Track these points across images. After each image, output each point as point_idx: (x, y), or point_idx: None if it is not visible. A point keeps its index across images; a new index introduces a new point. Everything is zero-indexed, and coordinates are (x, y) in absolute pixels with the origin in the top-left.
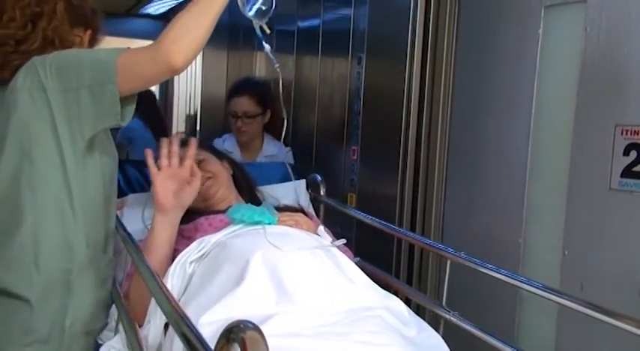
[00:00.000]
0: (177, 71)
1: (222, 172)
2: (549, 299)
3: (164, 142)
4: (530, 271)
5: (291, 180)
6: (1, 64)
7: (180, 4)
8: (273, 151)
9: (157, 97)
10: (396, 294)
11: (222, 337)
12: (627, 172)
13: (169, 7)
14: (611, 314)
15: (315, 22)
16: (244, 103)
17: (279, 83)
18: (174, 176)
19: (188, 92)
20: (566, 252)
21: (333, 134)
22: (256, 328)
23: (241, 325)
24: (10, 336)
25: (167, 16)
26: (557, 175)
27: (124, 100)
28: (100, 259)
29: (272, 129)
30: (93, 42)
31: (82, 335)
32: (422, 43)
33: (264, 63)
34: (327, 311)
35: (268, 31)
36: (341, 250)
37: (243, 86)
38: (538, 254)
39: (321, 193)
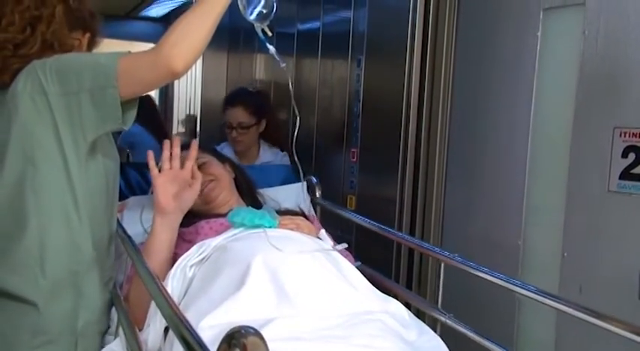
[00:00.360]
0: (178, 75)
1: (224, 175)
2: (545, 304)
3: (167, 144)
4: (529, 273)
5: (292, 183)
6: (1, 68)
7: (179, 6)
8: (270, 157)
9: (157, 99)
10: (394, 297)
11: (223, 342)
12: (626, 174)
13: (169, 9)
14: (606, 319)
15: (314, 24)
16: (238, 114)
17: (288, 83)
18: (175, 179)
19: (188, 95)
20: (565, 254)
21: (333, 136)
22: (257, 334)
23: (242, 331)
24: (18, 338)
25: (167, 19)
26: (557, 177)
27: (125, 104)
28: (105, 261)
29: (268, 137)
30: (92, 45)
31: (96, 335)
32: (421, 46)
33: (264, 65)
34: (328, 315)
35: (270, 34)
36: (342, 255)
37: (237, 97)
38: (537, 256)
39: (317, 195)
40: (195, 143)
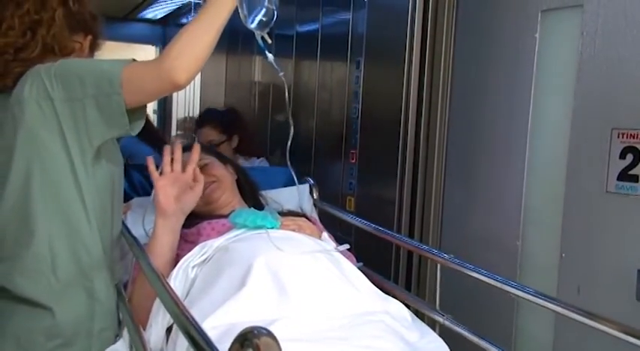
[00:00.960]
0: (181, 87)
1: (226, 176)
2: (542, 306)
3: (167, 149)
4: (527, 274)
5: (294, 185)
6: (2, 73)
7: (177, 8)
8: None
9: (156, 102)
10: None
11: (235, 342)
12: (623, 175)
13: (167, 11)
14: (602, 321)
15: (313, 26)
16: (208, 134)
17: (284, 91)
18: (176, 181)
19: (187, 97)
20: (563, 255)
21: (332, 138)
22: (270, 334)
23: (255, 331)
24: (32, 341)
25: (165, 21)
26: (555, 178)
27: (133, 111)
28: (114, 263)
29: (243, 150)
30: (94, 47)
31: (112, 337)
32: (420, 47)
33: (262, 67)
34: (330, 316)
35: (270, 41)
36: (344, 256)
37: (205, 118)
38: (536, 257)
39: (314, 196)
40: (197, 146)
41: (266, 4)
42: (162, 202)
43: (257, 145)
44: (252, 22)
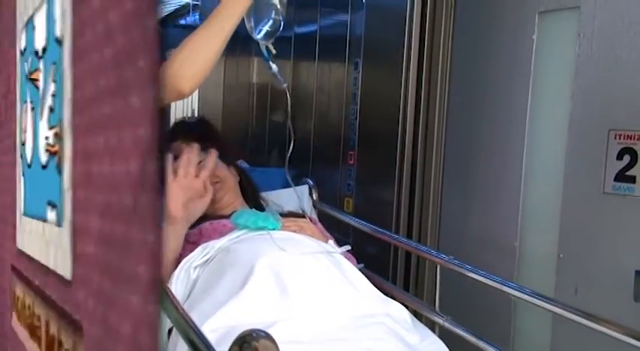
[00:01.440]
0: (185, 95)
1: (229, 177)
2: (541, 307)
3: (185, 148)
4: (525, 275)
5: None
6: None
7: (176, 9)
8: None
9: None
10: (392, 299)
11: (234, 345)
12: (621, 176)
13: (165, 13)
14: (600, 321)
15: (311, 27)
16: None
17: (282, 93)
18: (188, 188)
19: (185, 99)
20: (561, 255)
21: (330, 139)
22: (269, 337)
23: (254, 334)
24: None
25: (163, 22)
26: (552, 180)
27: None
28: None
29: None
30: None
31: None
32: (418, 49)
33: (260, 68)
34: (331, 318)
35: (274, 52)
36: (345, 257)
37: (178, 130)
38: (533, 258)
39: (314, 197)
40: (214, 154)
41: (273, 15)
42: (171, 207)
43: (233, 149)
44: (258, 33)
